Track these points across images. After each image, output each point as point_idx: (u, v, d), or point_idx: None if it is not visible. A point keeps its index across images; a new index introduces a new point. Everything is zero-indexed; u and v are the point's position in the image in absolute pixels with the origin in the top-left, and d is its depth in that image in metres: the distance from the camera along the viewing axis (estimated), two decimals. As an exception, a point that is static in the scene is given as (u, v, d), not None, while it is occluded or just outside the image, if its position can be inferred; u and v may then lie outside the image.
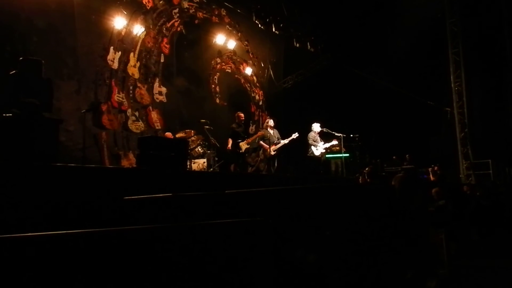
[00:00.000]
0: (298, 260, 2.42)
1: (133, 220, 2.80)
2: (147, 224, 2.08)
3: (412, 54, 12.90)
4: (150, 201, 2.96)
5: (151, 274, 1.73)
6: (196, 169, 8.35)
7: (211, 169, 8.51)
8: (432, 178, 10.15)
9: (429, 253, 4.09)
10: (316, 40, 13.42)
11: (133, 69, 9.21)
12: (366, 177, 7.41)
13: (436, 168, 10.56)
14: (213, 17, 11.71)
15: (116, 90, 8.73)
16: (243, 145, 9.06)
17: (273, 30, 12.35)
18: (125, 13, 8.93)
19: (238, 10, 12.10)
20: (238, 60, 12.62)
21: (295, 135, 9.54)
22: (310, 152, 9.83)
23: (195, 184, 5.04)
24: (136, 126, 9.04)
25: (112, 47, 8.74)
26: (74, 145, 7.57)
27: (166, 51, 10.14)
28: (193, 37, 10.97)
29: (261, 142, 9.34)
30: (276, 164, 9.39)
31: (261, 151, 9.65)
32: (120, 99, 8.79)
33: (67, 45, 7.96)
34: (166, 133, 8.97)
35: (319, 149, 9.80)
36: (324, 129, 10.10)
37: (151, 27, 9.76)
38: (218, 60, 11.93)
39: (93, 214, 3.13)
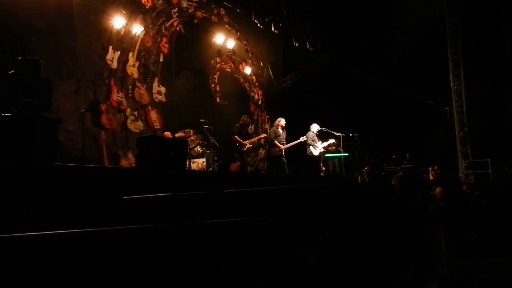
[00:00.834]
0: (298, 259, 2.42)
1: (132, 219, 2.79)
2: (146, 223, 2.08)
3: (412, 54, 12.92)
4: (149, 201, 2.96)
5: (150, 273, 1.73)
6: (196, 168, 8.35)
7: (210, 169, 8.51)
8: (431, 177, 10.17)
9: (429, 252, 4.09)
10: (315, 39, 13.44)
11: (132, 68, 9.19)
12: (366, 177, 7.42)
13: (436, 167, 10.58)
14: (212, 17, 11.70)
15: (115, 89, 8.72)
16: (246, 144, 9.32)
17: (272, 29, 12.36)
18: (124, 12, 8.92)
19: (237, 10, 12.10)
20: (237, 59, 12.62)
21: (302, 139, 9.64)
22: (309, 152, 9.85)
23: (194, 183, 5.04)
24: (135, 126, 9.03)
25: (111, 47, 8.73)
26: (73, 145, 7.57)
27: (165, 50, 10.13)
28: (192, 37, 10.96)
29: (275, 141, 9.45)
30: (285, 161, 9.48)
31: (260, 151, 9.71)
32: (119, 98, 8.78)
33: (66, 44, 7.94)
34: (165, 132, 8.97)
35: (317, 149, 9.83)
36: (324, 129, 10.10)
37: (150, 26, 9.75)
38: (218, 59, 11.92)
39: (92, 214, 3.13)
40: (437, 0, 13.55)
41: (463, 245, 5.19)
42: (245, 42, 12.90)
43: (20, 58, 4.96)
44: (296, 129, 10.20)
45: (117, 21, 8.76)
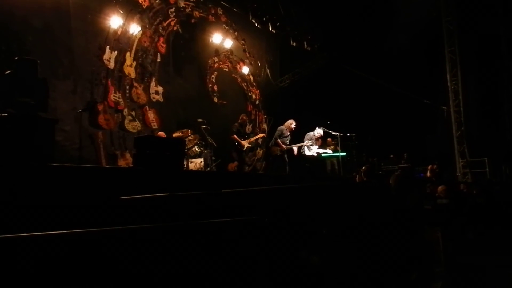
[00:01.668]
0: (295, 258, 2.42)
1: (129, 219, 2.79)
2: (144, 223, 2.08)
3: (409, 53, 12.95)
4: (147, 201, 2.95)
5: (148, 273, 1.73)
6: (193, 168, 8.34)
7: (208, 169, 8.50)
8: (429, 174, 10.19)
9: (427, 251, 4.11)
10: (313, 39, 13.45)
11: (130, 68, 9.18)
12: (363, 176, 7.43)
13: (435, 166, 10.61)
14: (210, 16, 11.70)
15: (113, 89, 8.71)
16: (245, 144, 9.25)
17: (270, 29, 12.36)
18: (121, 12, 8.90)
19: (235, 9, 12.11)
20: (235, 59, 12.62)
21: (307, 143, 9.67)
22: (302, 150, 9.88)
23: (192, 183, 5.03)
24: (133, 126, 9.02)
25: (108, 47, 8.71)
26: (71, 145, 7.55)
27: (163, 50, 10.12)
28: (189, 36, 10.95)
29: (278, 140, 9.49)
30: (287, 160, 9.49)
31: (258, 150, 9.71)
32: (117, 98, 8.77)
33: (63, 44, 7.92)
34: (159, 132, 8.95)
35: (311, 151, 9.86)
36: (322, 128, 10.12)
37: (147, 26, 9.74)
38: (215, 59, 11.92)
39: (90, 214, 3.12)
40: (434, -1, 13.59)
41: (460, 244, 5.20)
42: (243, 41, 12.90)
43: (16, 58, 4.94)
44: (294, 129, 10.18)
45: (114, 21, 8.75)
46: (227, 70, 12.36)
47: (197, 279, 1.80)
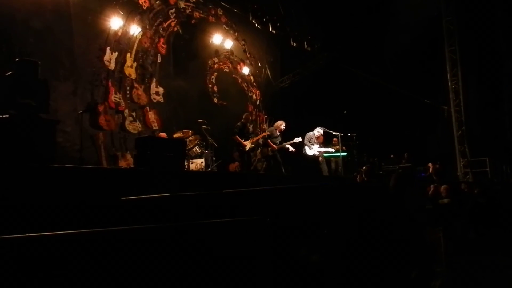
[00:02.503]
0: (297, 259, 2.42)
1: (130, 220, 2.79)
2: (145, 224, 2.08)
3: (409, 53, 12.94)
4: (148, 201, 2.96)
5: (149, 274, 1.73)
6: (194, 169, 8.35)
7: (209, 169, 8.50)
8: (431, 170, 10.17)
9: (428, 251, 4.11)
10: (313, 39, 13.45)
11: (130, 69, 9.19)
12: (364, 176, 7.44)
13: (438, 165, 10.60)
14: (210, 17, 11.71)
15: (113, 90, 8.72)
16: (248, 144, 9.21)
17: (270, 29, 12.37)
18: (122, 13, 8.92)
19: (235, 10, 12.10)
20: (235, 59, 12.62)
21: (297, 140, 9.65)
22: (304, 151, 9.89)
23: (193, 184, 5.04)
24: (133, 127, 9.03)
25: (108, 48, 8.72)
26: (71, 146, 7.56)
27: (163, 51, 10.13)
28: (190, 37, 10.96)
29: (269, 140, 9.49)
30: (280, 161, 9.50)
31: (258, 151, 9.71)
32: (117, 99, 8.78)
33: (64, 46, 7.94)
34: (160, 133, 8.96)
35: (312, 150, 9.86)
36: (322, 128, 10.12)
37: (147, 27, 9.75)
38: (216, 59, 11.93)
39: (91, 215, 3.13)
40: (434, -1, 13.59)
41: (461, 244, 5.20)
42: (243, 42, 12.91)
43: (17, 59, 4.95)
44: (294, 129, 10.20)
45: (115, 22, 8.76)
46: (227, 70, 12.36)
47: (198, 279, 1.80)
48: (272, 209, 2.56)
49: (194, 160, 8.56)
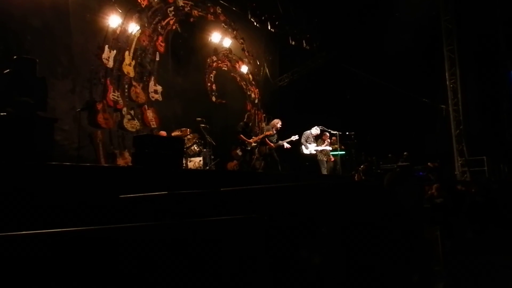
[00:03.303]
0: (295, 257, 2.42)
1: (128, 218, 2.80)
2: (143, 222, 2.08)
3: (407, 52, 12.94)
4: (146, 199, 2.96)
5: (145, 273, 1.73)
6: (192, 167, 8.35)
7: (207, 168, 8.50)
8: (430, 164, 10.19)
9: (425, 250, 4.11)
10: (312, 38, 13.45)
11: (128, 67, 9.18)
12: (362, 175, 7.45)
13: (437, 164, 10.63)
14: (209, 15, 11.69)
15: (111, 88, 8.70)
16: (252, 143, 9.29)
17: (269, 28, 12.37)
18: (120, 11, 8.89)
19: (234, 8, 12.10)
20: (234, 58, 12.61)
21: (294, 137, 9.66)
22: (300, 150, 9.91)
23: (191, 182, 5.04)
24: (132, 125, 9.02)
25: (107, 46, 8.71)
26: (70, 144, 7.55)
27: (162, 49, 10.12)
28: (188, 35, 10.94)
29: (267, 139, 9.51)
30: (278, 159, 9.51)
31: (256, 150, 9.71)
32: (115, 97, 8.77)
33: (62, 43, 7.92)
34: (160, 131, 8.96)
35: (308, 149, 9.88)
36: (320, 127, 10.13)
37: (146, 25, 9.73)
38: (214, 58, 11.92)
39: (89, 213, 3.13)
40: (433, -2, 13.59)
41: (459, 243, 5.21)
42: (242, 40, 12.89)
43: (15, 57, 4.94)
44: (292, 127, 10.21)
45: (113, 20, 8.74)
46: (226, 69, 12.36)
47: (195, 277, 1.80)
48: (270, 208, 2.56)
49: (192, 159, 8.56)
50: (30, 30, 7.32)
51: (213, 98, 11.67)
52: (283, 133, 9.92)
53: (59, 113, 7.40)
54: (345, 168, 10.68)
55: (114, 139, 8.64)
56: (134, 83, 9.26)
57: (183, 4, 10.81)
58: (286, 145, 9.68)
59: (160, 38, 10.10)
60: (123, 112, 8.91)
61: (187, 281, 1.79)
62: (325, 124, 10.24)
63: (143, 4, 9.65)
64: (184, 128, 8.93)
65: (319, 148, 9.96)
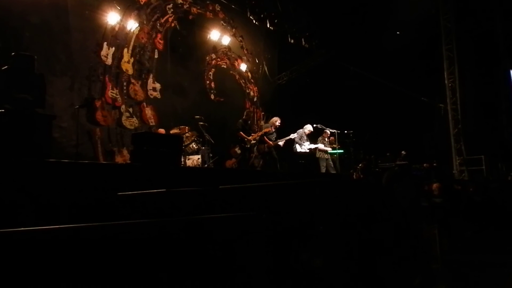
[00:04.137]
0: (293, 255, 2.42)
1: (126, 215, 2.79)
2: (141, 219, 2.08)
3: (406, 51, 12.94)
4: (144, 197, 2.96)
5: (144, 270, 1.73)
6: (191, 165, 8.34)
7: (206, 165, 8.50)
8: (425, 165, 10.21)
9: (424, 249, 4.12)
10: (311, 36, 13.43)
11: (127, 65, 9.16)
12: (360, 173, 7.46)
13: (434, 164, 10.65)
14: (207, 13, 11.67)
15: (110, 86, 8.69)
16: (251, 140, 9.24)
17: (268, 26, 12.35)
18: (119, 8, 8.88)
19: (233, 6, 12.07)
20: (232, 56, 12.59)
21: (293, 135, 9.66)
22: (294, 148, 9.92)
23: (189, 180, 5.04)
24: (130, 122, 9.01)
25: (105, 43, 8.69)
26: (68, 142, 7.54)
27: (160, 46, 10.10)
28: (187, 33, 10.92)
29: (265, 137, 9.50)
30: (277, 157, 9.51)
31: (255, 148, 9.70)
32: (114, 95, 8.75)
33: (60, 40, 7.90)
34: (159, 129, 8.95)
35: (303, 147, 9.89)
36: (319, 125, 10.14)
37: (145, 22, 9.71)
38: (213, 56, 11.90)
39: (87, 210, 3.13)
40: (432, -4, 13.59)
41: (456, 241, 5.23)
42: (241, 38, 12.87)
43: (13, 53, 4.93)
44: (291, 125, 10.21)
45: (112, 17, 8.73)
46: (225, 67, 12.34)
47: (193, 275, 1.80)
48: (268, 205, 2.56)
49: (190, 157, 8.55)
50: (29, 27, 7.30)
51: (212, 96, 11.66)
52: (281, 131, 9.91)
53: (58, 110, 7.39)
54: (343, 167, 10.68)
55: (112, 136, 8.63)
56: (132, 81, 9.25)
57: (182, 2, 10.79)
58: (281, 143, 9.67)
59: (159, 35, 10.08)
60: (122, 110, 8.90)
61: (185, 278, 1.79)
62: (323, 122, 10.23)
63: (142, 1, 9.63)
64: (182, 126, 8.92)
65: (313, 146, 9.97)
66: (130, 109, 9.09)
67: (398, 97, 12.94)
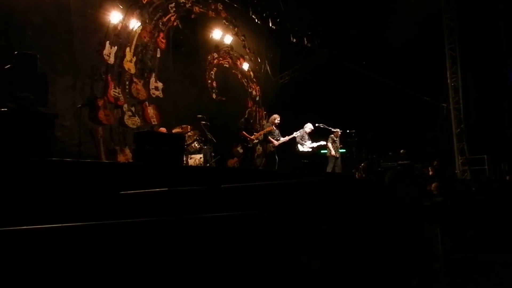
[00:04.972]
0: (294, 254, 2.42)
1: (129, 214, 2.80)
2: (143, 218, 2.08)
3: (409, 50, 12.92)
4: (146, 196, 2.96)
5: (145, 269, 1.73)
6: (193, 164, 8.35)
7: (208, 165, 8.50)
8: (431, 172, 10.19)
9: (425, 248, 4.11)
10: (313, 35, 13.41)
11: (129, 64, 9.17)
12: (362, 173, 7.45)
13: (436, 163, 10.61)
14: (210, 12, 11.67)
15: (112, 85, 8.70)
16: (254, 139, 9.21)
17: (270, 25, 12.33)
18: (121, 7, 8.89)
19: (235, 5, 12.06)
20: (235, 55, 12.59)
21: (296, 134, 9.65)
22: (296, 148, 9.91)
23: (191, 179, 5.04)
24: (133, 122, 9.02)
25: (108, 42, 8.70)
26: (70, 141, 7.55)
27: (163, 46, 10.11)
28: (189, 32, 10.92)
29: (269, 137, 9.48)
30: (277, 158, 9.49)
31: (258, 146, 9.70)
32: (116, 94, 8.76)
33: (63, 39, 7.91)
34: (160, 128, 8.95)
35: (305, 147, 9.87)
36: (321, 125, 10.13)
37: (147, 21, 9.72)
38: (215, 55, 11.90)
39: (89, 209, 3.13)
40: (435, -5, 13.56)
41: (459, 241, 5.21)
42: (243, 37, 12.87)
43: (16, 52, 4.93)
44: (294, 125, 10.20)
45: (114, 16, 8.74)
46: (227, 66, 12.34)
47: (194, 274, 1.80)
48: (270, 204, 2.56)
49: (192, 156, 8.55)
50: (31, 26, 7.31)
51: (214, 95, 11.66)
52: (284, 131, 9.90)
53: (60, 109, 7.40)
54: (345, 166, 10.67)
55: (114, 135, 8.64)
56: (135, 80, 9.26)
57: (184, 1, 10.79)
58: (282, 140, 9.63)
59: (161, 34, 10.08)
60: (124, 109, 8.91)
61: (186, 277, 1.79)
62: (326, 121, 10.22)
63: (144, 0, 9.64)
64: (184, 125, 8.92)
65: (315, 144, 9.95)
66: (133, 108, 9.10)
67: (400, 97, 12.92)
